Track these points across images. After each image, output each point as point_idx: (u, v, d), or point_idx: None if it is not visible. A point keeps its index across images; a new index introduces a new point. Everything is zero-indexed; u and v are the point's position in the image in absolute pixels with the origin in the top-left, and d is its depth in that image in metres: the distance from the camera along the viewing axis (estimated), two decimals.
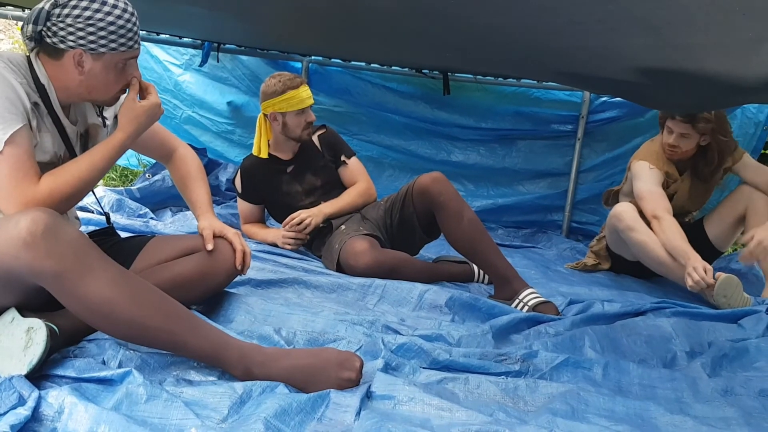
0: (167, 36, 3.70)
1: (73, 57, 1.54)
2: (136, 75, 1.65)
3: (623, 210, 2.71)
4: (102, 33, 1.51)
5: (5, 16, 3.19)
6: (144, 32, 3.58)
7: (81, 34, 1.50)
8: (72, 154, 1.66)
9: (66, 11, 1.50)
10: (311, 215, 2.72)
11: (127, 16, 1.54)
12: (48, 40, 1.53)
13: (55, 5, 1.51)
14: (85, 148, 1.73)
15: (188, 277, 1.74)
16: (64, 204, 1.53)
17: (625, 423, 1.36)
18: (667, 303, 2.22)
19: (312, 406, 1.28)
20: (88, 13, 1.49)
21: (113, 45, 1.53)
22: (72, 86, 1.59)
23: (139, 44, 1.61)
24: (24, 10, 2.64)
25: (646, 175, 2.77)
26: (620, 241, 2.79)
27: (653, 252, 2.60)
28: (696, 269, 2.36)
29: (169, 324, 1.41)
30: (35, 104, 1.57)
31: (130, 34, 1.55)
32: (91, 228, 2.01)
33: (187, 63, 4.19)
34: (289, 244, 2.75)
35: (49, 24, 1.51)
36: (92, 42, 1.51)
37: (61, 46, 1.52)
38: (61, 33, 1.51)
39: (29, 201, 1.45)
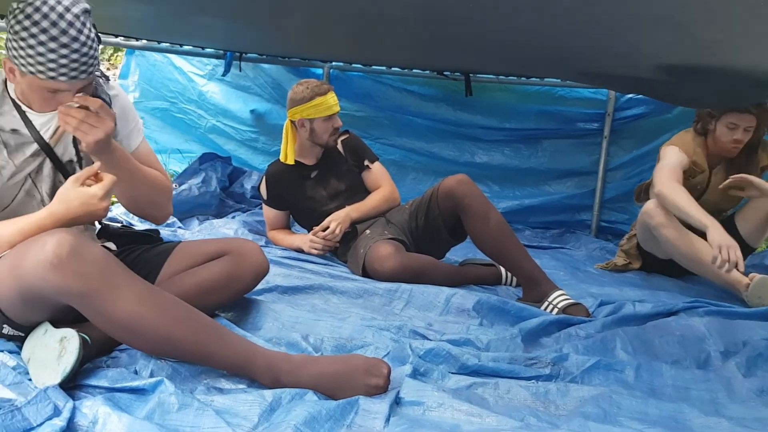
0: (190, 47, 3.74)
1: (5, 62, 1.52)
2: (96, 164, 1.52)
3: (654, 206, 2.67)
4: (22, 52, 1.43)
5: None
6: (167, 44, 3.62)
7: (9, 45, 1.47)
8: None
9: (10, 19, 1.45)
10: (339, 220, 2.73)
11: (53, 45, 1.41)
12: None
13: (11, 10, 1.46)
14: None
15: (215, 282, 1.75)
16: None
17: (659, 426, 1.34)
18: (700, 302, 2.18)
19: (341, 412, 1.28)
20: (17, 27, 1.43)
21: (31, 69, 1.45)
22: (18, 94, 1.56)
23: (71, 78, 1.47)
24: (1, 19, 2.67)
25: (670, 155, 2.72)
26: (652, 238, 2.75)
27: (686, 249, 2.56)
28: (721, 250, 2.28)
29: (197, 336, 1.42)
30: (12, 132, 1.58)
31: (51, 65, 1.43)
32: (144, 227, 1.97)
33: (211, 73, 4.24)
34: (316, 249, 2.76)
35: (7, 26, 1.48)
36: (14, 57, 1.46)
37: (5, 50, 1.50)
38: (6, 38, 1.48)
39: None
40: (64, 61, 1.44)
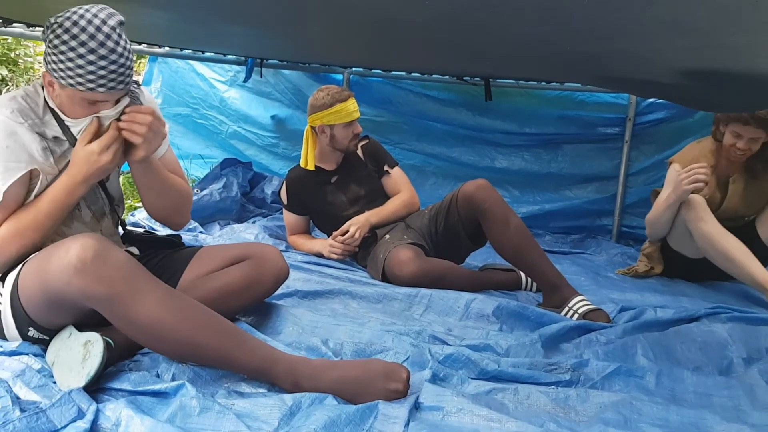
0: (212, 54, 3.78)
1: (44, 76, 1.56)
2: (101, 116, 1.57)
3: (693, 198, 2.64)
4: (62, 66, 1.47)
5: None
6: (189, 51, 3.67)
7: (49, 59, 1.50)
8: None
9: (49, 34, 1.48)
10: (359, 225, 2.74)
11: (92, 57, 1.45)
12: None
13: (49, 25, 1.49)
14: None
15: (236, 286, 1.77)
16: (17, 247, 1.55)
17: None
18: (723, 308, 2.16)
19: (361, 417, 1.29)
20: (56, 42, 1.46)
21: (71, 81, 1.49)
22: (56, 105, 1.61)
23: (109, 89, 1.51)
24: (29, 27, 2.72)
25: (668, 183, 2.80)
26: (685, 234, 2.71)
27: (720, 245, 2.53)
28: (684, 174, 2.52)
29: (218, 341, 1.44)
30: (55, 139, 1.62)
31: (91, 77, 1.47)
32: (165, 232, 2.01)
33: (232, 79, 4.28)
34: (336, 254, 2.78)
35: (46, 41, 1.52)
36: (54, 71, 1.50)
37: (44, 64, 1.54)
38: (45, 52, 1.52)
39: None
40: (102, 72, 1.47)
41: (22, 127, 1.56)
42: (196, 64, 4.27)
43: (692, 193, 2.59)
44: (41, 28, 2.73)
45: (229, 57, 3.86)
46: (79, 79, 1.48)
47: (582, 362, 1.68)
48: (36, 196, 1.59)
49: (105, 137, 1.57)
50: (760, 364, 1.70)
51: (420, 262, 2.42)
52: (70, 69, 1.47)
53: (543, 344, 1.86)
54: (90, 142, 1.57)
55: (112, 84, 1.51)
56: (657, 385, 1.60)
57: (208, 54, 3.80)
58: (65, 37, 1.45)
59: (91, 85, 1.49)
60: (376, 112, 4.10)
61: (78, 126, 1.60)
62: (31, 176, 1.59)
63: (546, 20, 1.20)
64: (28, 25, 2.73)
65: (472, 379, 1.59)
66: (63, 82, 1.50)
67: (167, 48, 3.62)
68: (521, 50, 1.67)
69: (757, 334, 1.88)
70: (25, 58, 6.31)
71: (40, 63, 6.46)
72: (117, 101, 1.59)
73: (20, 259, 1.56)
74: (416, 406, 1.38)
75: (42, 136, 1.60)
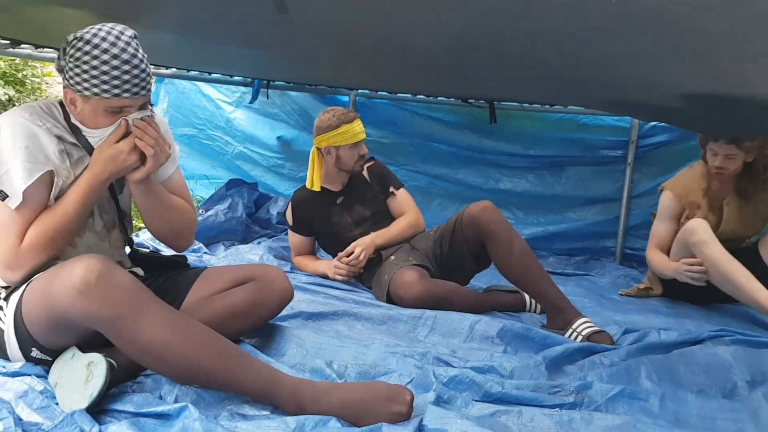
0: (219, 75, 3.81)
1: (66, 94, 1.60)
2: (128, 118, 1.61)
3: (697, 224, 2.64)
4: (85, 76, 1.52)
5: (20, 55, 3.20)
6: (196, 72, 3.70)
7: (70, 74, 1.55)
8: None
9: (69, 50, 1.54)
10: (364, 246, 2.74)
11: (116, 62, 1.51)
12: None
13: (68, 41, 1.54)
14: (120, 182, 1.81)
15: (241, 307, 1.77)
16: (46, 252, 1.57)
17: None
18: (727, 331, 2.15)
19: None
20: (78, 54, 1.51)
21: (96, 90, 1.53)
22: (79, 122, 1.64)
23: (133, 94, 1.56)
24: (37, 48, 2.76)
25: (662, 211, 2.91)
26: (689, 257, 2.71)
27: (724, 269, 2.53)
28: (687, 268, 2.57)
29: (222, 364, 1.44)
30: (73, 144, 1.65)
31: (116, 82, 1.52)
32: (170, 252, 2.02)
33: (238, 100, 4.31)
34: (340, 275, 2.78)
35: (64, 61, 1.58)
36: (77, 84, 1.54)
37: (65, 82, 1.59)
38: (66, 69, 1.57)
39: (11, 258, 1.55)
40: (126, 77, 1.53)
41: (41, 129, 1.60)
42: (202, 85, 4.31)
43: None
44: (49, 50, 2.80)
45: (236, 78, 3.90)
46: (105, 86, 1.52)
47: (586, 385, 1.67)
48: (54, 200, 1.62)
49: (132, 137, 1.60)
50: (764, 387, 1.69)
51: (425, 284, 2.42)
52: (94, 77, 1.51)
53: (547, 366, 1.85)
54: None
55: (136, 89, 1.56)
56: (661, 407, 1.59)
57: (214, 75, 3.83)
58: (87, 48, 1.50)
59: (116, 91, 1.53)
60: (381, 134, 4.13)
61: (95, 139, 1.63)
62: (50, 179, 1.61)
63: (550, 45, 1.22)
64: (36, 47, 2.76)
65: (476, 401, 1.58)
66: (87, 93, 1.54)
67: (174, 69, 3.66)
68: (523, 75, 1.69)
69: (761, 357, 1.87)
70: (33, 79, 6.38)
71: (47, 84, 6.53)
72: (140, 108, 1.62)
73: (45, 265, 1.57)
74: (420, 429, 1.37)
75: (60, 138, 1.63)
